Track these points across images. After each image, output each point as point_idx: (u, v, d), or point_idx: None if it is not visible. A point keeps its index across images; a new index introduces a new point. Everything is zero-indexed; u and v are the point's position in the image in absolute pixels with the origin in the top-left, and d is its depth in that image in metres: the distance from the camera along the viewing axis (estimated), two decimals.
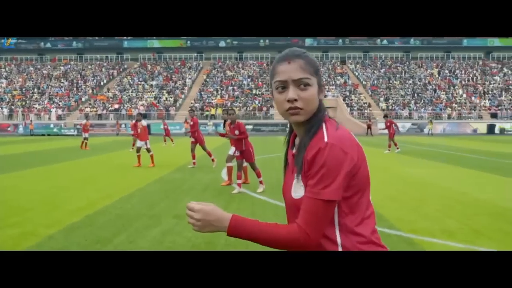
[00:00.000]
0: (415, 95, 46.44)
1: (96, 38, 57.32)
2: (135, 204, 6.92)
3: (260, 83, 49.80)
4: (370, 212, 1.37)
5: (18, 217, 5.96)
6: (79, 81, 51.64)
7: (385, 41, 57.11)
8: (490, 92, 47.22)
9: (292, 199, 1.37)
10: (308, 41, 57.11)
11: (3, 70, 55.18)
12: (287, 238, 1.28)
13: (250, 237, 1.32)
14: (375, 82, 49.83)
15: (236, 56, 57.85)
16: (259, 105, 44.22)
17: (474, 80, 50.07)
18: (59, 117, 42.79)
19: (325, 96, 1.12)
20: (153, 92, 48.37)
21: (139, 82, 50.74)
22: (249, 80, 50.63)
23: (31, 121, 39.05)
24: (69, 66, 56.08)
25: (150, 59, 57.92)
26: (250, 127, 37.56)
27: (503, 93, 46.81)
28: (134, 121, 13.06)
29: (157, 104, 45.09)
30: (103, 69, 55.02)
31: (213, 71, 53.69)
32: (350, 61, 55.62)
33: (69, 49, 58.71)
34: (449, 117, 42.36)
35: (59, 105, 45.55)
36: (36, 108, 44.76)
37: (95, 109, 44.09)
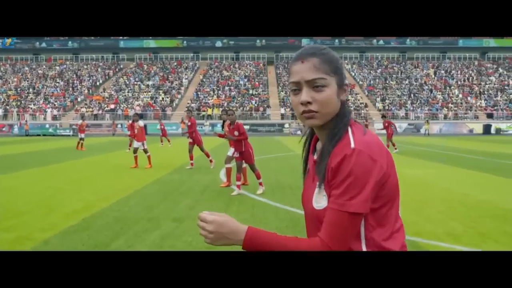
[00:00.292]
0: (412, 95, 46.51)
1: (92, 38, 57.02)
2: (133, 206, 6.79)
3: (257, 83, 49.70)
4: (399, 225, 1.25)
5: (13, 220, 5.82)
6: (75, 81, 51.34)
7: (381, 42, 57.20)
8: (485, 92, 47.37)
9: (314, 209, 1.26)
10: (305, 41, 57.04)
11: None
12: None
13: (267, 251, 1.21)
14: (372, 82, 49.87)
15: (233, 56, 57.74)
16: (255, 105, 44.12)
17: (470, 80, 50.23)
18: (54, 117, 42.52)
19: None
20: (150, 92, 48.17)
21: (135, 82, 50.51)
22: (245, 80, 50.52)
23: (26, 121, 38.77)
24: (65, 66, 55.77)
25: (146, 59, 57.71)
26: (247, 127, 37.44)
27: (499, 93, 46.99)
28: (130, 121, 12.90)
29: (154, 104, 44.89)
30: (99, 69, 54.75)
31: (209, 71, 53.55)
32: (346, 61, 55.62)
33: (64, 49, 58.34)
34: (445, 117, 42.46)
35: (54, 105, 45.25)
36: (31, 108, 44.45)
37: (91, 109, 43.84)
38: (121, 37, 57.52)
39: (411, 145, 22.74)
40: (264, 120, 41.76)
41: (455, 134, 38.36)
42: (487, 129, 39.37)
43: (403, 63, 55.11)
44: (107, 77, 52.96)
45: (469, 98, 45.92)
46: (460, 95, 46.72)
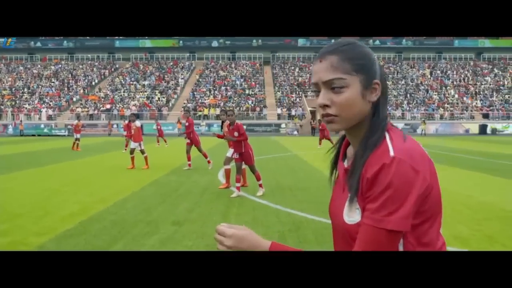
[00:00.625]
0: (408, 95, 46.58)
1: (88, 37, 56.70)
2: (131, 209, 6.64)
3: (253, 83, 49.58)
4: (441, 244, 1.10)
5: (8, 224, 5.66)
6: (70, 81, 51.00)
7: (377, 42, 57.19)
8: (481, 92, 47.53)
9: (345, 224, 1.11)
10: (301, 41, 57.02)
11: None
12: None
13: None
14: None
15: (229, 56, 57.58)
16: (252, 105, 44.00)
17: (466, 80, 50.38)
18: (49, 117, 42.20)
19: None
20: (145, 92, 47.93)
21: (131, 82, 50.25)
22: (242, 80, 50.38)
23: (21, 121, 38.44)
24: (60, 65, 55.37)
25: (142, 59, 57.43)
26: (244, 127, 37.33)
27: (494, 93, 47.15)
28: (127, 122, 12.72)
29: (150, 104, 44.66)
30: (95, 69, 54.41)
31: (205, 71, 53.37)
32: None
33: (59, 48, 57.92)
34: (441, 117, 42.55)
35: (49, 105, 44.91)
36: (26, 108, 44.09)
37: (86, 109, 43.55)
38: (116, 37, 57.22)
39: None
40: (261, 120, 41.66)
41: (451, 134, 38.42)
42: (483, 129, 39.49)
43: (399, 63, 55.19)
44: (102, 77, 52.65)
45: (465, 98, 46.05)
46: (456, 95, 46.84)
